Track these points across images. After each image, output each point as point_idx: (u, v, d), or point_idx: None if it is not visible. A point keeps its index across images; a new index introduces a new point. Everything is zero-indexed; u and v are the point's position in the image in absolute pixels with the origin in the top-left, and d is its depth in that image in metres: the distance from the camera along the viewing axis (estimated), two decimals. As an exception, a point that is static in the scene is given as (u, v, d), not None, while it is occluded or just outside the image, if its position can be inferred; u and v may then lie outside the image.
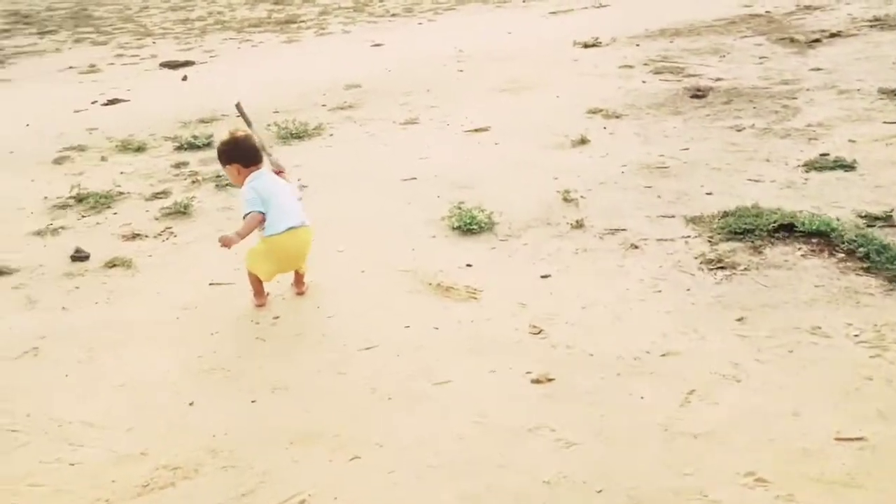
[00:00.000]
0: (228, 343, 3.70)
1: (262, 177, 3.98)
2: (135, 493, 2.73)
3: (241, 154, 3.98)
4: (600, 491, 2.58)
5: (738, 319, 3.58)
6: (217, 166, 6.23)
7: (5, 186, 6.08)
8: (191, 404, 3.24)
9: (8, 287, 4.41)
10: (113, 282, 4.42)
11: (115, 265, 4.60)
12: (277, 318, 3.90)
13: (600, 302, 3.81)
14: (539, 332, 3.57)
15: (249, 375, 3.42)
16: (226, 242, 3.80)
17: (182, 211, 5.33)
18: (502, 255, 4.41)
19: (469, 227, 4.71)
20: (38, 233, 5.14)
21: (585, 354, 3.37)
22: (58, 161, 6.65)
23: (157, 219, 5.30)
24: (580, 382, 3.18)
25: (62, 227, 5.21)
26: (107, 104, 8.49)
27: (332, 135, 6.96)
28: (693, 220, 4.66)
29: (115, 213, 5.46)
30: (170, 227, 5.15)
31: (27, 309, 4.15)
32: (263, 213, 3.87)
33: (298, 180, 5.83)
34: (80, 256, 4.71)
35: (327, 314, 3.91)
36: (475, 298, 3.94)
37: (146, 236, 5.04)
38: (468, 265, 4.31)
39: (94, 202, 5.60)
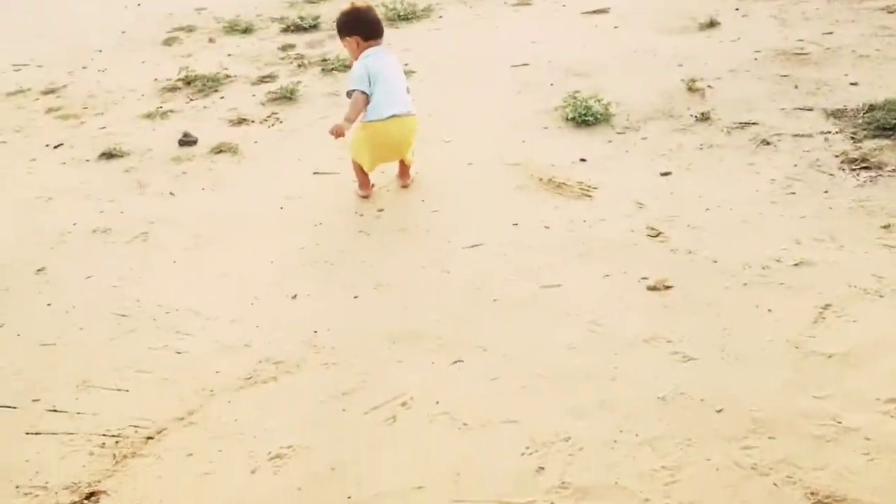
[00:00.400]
0: (332, 235, 3.61)
1: (377, 54, 3.76)
2: (237, 386, 2.71)
3: (362, 25, 3.76)
4: (720, 410, 2.39)
5: (884, 227, 3.22)
6: (324, 49, 6.14)
7: (117, 68, 6.10)
8: (293, 297, 3.18)
9: (120, 170, 4.44)
10: (219, 168, 4.38)
11: (221, 151, 4.56)
12: (381, 210, 3.77)
13: (726, 203, 3.50)
14: (657, 235, 3.32)
15: (352, 270, 3.33)
16: (337, 132, 3.66)
17: (288, 96, 5.21)
18: (619, 150, 4.12)
19: (584, 118, 4.41)
20: (148, 115, 5.14)
21: (708, 261, 3.11)
22: (167, 42, 6.62)
23: (263, 104, 5.21)
24: (701, 291, 2.94)
25: (171, 111, 5.20)
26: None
27: (441, 17, 6.64)
28: (834, 114, 4.20)
29: (222, 98, 5.39)
30: (276, 113, 5.05)
31: (138, 193, 4.17)
32: (368, 95, 3.67)
33: (405, 65, 5.61)
34: (187, 141, 4.69)
35: (432, 208, 3.75)
36: (589, 196, 3.70)
37: (252, 121, 4.96)
38: (582, 160, 4.04)
39: (202, 85, 5.55)
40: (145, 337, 3.02)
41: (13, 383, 2.81)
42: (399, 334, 2.88)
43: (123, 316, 3.16)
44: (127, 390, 2.75)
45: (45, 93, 5.63)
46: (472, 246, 3.40)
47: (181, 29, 6.88)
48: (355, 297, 3.15)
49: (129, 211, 3.97)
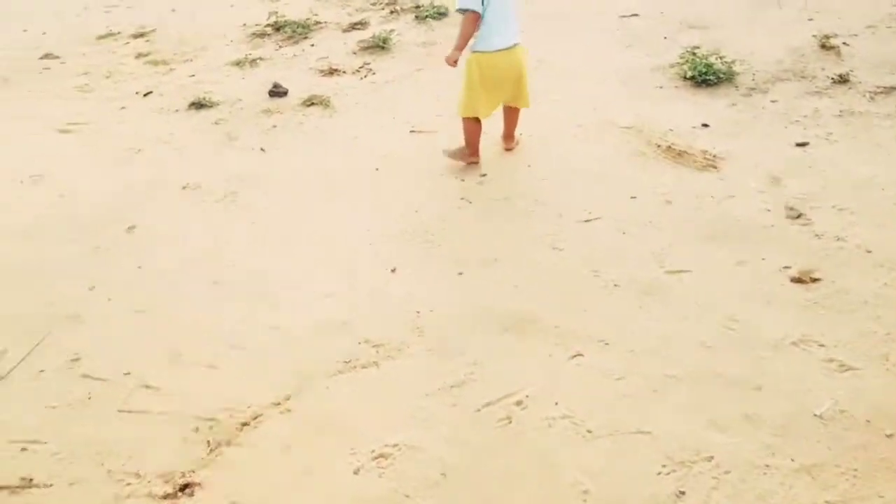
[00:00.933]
0: (431, 202, 3.36)
1: None
2: (335, 370, 2.51)
3: None
4: (890, 435, 2.08)
5: None
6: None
7: (206, 11, 5.91)
8: (392, 270, 2.96)
9: (210, 121, 4.26)
10: (310, 122, 4.16)
11: (312, 104, 4.33)
12: (484, 176, 3.50)
13: (877, 181, 3.11)
14: (798, 217, 2.97)
15: (454, 242, 3.08)
16: (451, 62, 3.31)
17: (380, 45, 4.94)
18: (746, 115, 3.74)
19: (704, 77, 4.03)
20: (238, 63, 4.94)
21: (862, 250, 2.76)
22: (254, -14, 6.38)
23: (354, 52, 4.96)
24: (856, 286, 2.60)
25: (260, 59, 4.99)
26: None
27: (541, -40, 6.21)
28: None
29: (312, 45, 5.16)
30: (367, 63, 4.79)
31: (227, 147, 3.99)
32: (479, 14, 3.27)
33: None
34: (277, 92, 4.47)
35: (540, 176, 3.46)
36: (714, 167, 3.35)
37: (343, 72, 4.72)
38: (704, 125, 3.68)
39: (292, 32, 5.32)
40: (238, 308, 2.85)
41: (104, 353, 2.67)
42: (510, 320, 2.63)
43: (215, 283, 2.99)
44: (219, 368, 2.58)
45: (135, 36, 5.48)
46: (586, 220, 3.11)
47: (269, -30, 6.63)
48: (460, 274, 2.90)
49: (218, 166, 3.79)
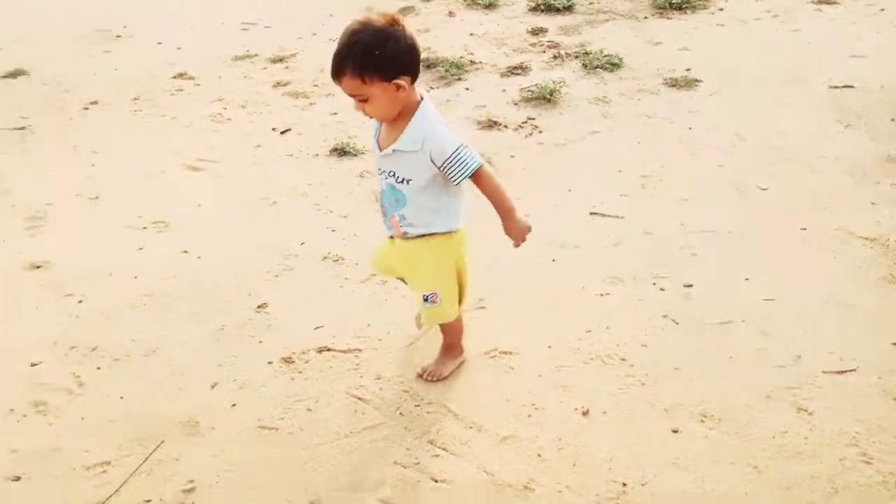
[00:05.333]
0: (624, 315, 2.72)
1: (432, 107, 2.22)
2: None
3: (413, 58, 2.12)
4: None
5: None
6: (581, 38, 5.20)
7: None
8: (584, 413, 2.33)
9: (354, 173, 3.73)
10: (470, 188, 3.57)
11: (472, 163, 3.75)
12: (690, 287, 2.84)
13: None
14: None
15: (662, 380, 2.44)
16: (525, 235, 2.29)
17: (547, 97, 4.34)
18: None
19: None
20: (385, 104, 4.42)
21: None
22: (402, 11, 5.86)
23: (516, 103, 4.37)
24: None
25: (409, 101, 4.45)
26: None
27: (721, 9, 5.52)
28: None
29: (466, 89, 4.60)
30: (532, 119, 4.19)
31: (374, 209, 3.43)
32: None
33: (687, 70, 4.60)
34: (431, 145, 3.92)
35: (762, 293, 2.78)
36: None
37: (505, 126, 4.13)
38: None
39: (444, 71, 4.78)
40: (390, 442, 2.27)
41: (224, 494, 2.13)
42: (755, 520, 1.96)
43: (359, 399, 2.42)
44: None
45: (273, 61, 5.04)
46: (839, 372, 2.41)
47: (420, -4, 6.13)
48: (675, 433, 2.25)
49: (363, 235, 3.24)
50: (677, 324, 2.66)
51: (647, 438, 2.23)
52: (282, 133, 4.15)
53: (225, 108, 4.43)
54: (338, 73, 2.06)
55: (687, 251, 3.02)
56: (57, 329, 2.76)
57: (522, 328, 2.67)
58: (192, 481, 2.15)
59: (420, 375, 2.47)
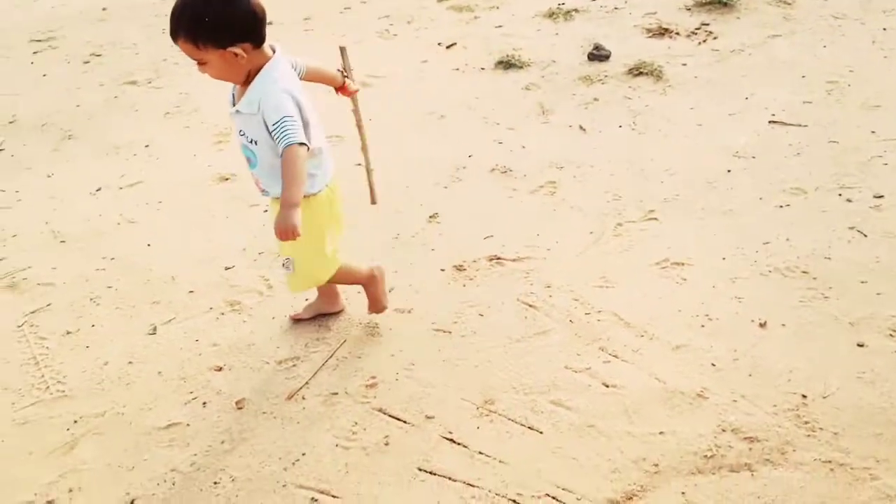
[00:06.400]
0: (805, 227, 2.60)
1: (283, 70, 2.07)
2: (691, 466, 1.91)
3: (253, 20, 1.96)
4: None
5: None
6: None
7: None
8: (762, 325, 2.27)
9: (520, 86, 3.73)
10: (639, 97, 3.49)
11: (640, 73, 3.65)
12: (881, 197, 2.66)
13: None
14: None
15: (848, 293, 2.32)
16: (293, 233, 1.97)
17: (723, 1, 4.10)
18: None
19: None
20: (550, 15, 4.35)
21: None
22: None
23: (688, 8, 4.17)
24: None
25: (575, 10, 4.35)
26: None
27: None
28: None
29: (635, -5, 4.43)
30: (706, 24, 3.99)
31: (541, 121, 3.43)
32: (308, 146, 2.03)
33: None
34: (599, 55, 3.83)
35: None
36: None
37: (676, 34, 3.96)
38: None
39: (612, -23, 4.61)
40: (560, 348, 2.31)
41: (404, 390, 2.25)
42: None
43: (530, 306, 2.47)
44: (541, 432, 2.06)
45: (437, -24, 5.03)
46: None
47: None
48: (860, 346, 2.16)
49: (531, 146, 3.24)
50: (865, 236, 2.51)
51: (829, 352, 2.15)
52: (447, 48, 4.18)
53: (391, 25, 4.49)
54: (173, 35, 1.93)
55: (878, 161, 2.82)
56: (245, 237, 2.95)
57: (695, 239, 2.61)
58: (373, 377, 2.28)
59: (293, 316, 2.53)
